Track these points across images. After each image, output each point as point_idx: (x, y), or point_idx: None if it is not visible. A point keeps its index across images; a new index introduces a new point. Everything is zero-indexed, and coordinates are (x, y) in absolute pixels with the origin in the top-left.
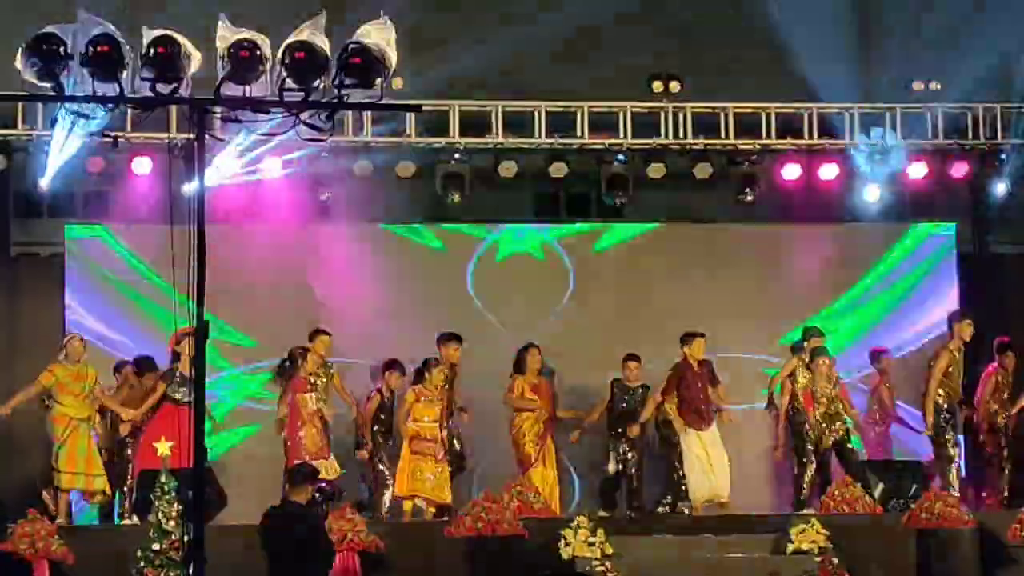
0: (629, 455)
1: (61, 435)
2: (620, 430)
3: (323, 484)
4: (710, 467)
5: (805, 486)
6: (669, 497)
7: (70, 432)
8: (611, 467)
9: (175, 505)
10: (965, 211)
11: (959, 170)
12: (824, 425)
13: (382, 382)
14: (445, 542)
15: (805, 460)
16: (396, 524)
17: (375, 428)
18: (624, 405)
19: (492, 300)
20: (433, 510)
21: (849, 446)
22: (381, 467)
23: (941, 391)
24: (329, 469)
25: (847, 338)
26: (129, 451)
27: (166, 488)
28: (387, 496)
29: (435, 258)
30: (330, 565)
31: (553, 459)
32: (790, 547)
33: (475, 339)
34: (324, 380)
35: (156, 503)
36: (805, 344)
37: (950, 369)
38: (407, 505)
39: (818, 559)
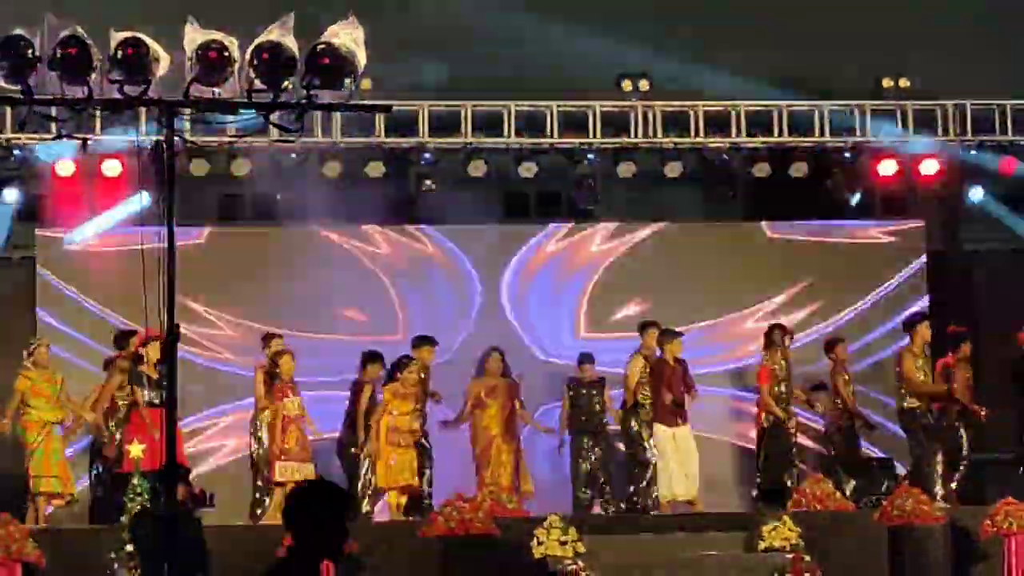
0: (594, 453)
1: (35, 440)
2: (582, 428)
3: (196, 490)
4: (679, 466)
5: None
6: (636, 496)
7: (44, 437)
8: (583, 467)
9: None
10: (934, 209)
11: (929, 167)
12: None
13: (361, 373)
14: (418, 542)
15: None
16: (369, 524)
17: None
18: (581, 403)
19: (466, 301)
20: (404, 500)
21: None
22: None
23: (910, 395)
24: (306, 472)
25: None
26: (104, 453)
27: (139, 490)
28: (371, 489)
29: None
30: (203, 570)
31: (511, 460)
32: (762, 544)
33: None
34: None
35: (129, 505)
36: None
37: (920, 373)
38: (392, 497)
39: (790, 556)
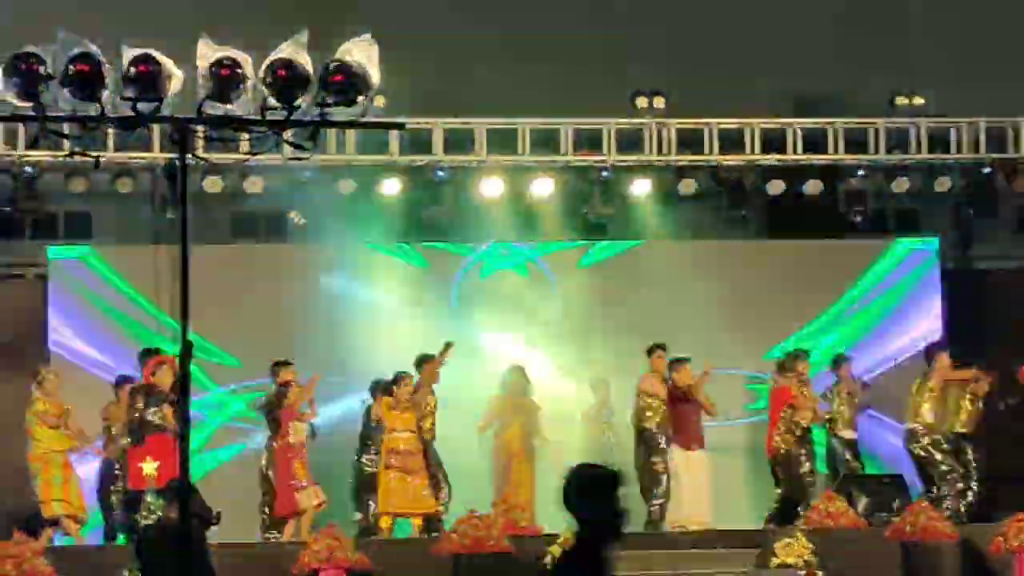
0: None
1: (38, 466)
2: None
3: (201, 510)
4: (688, 491)
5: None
6: (650, 512)
7: (46, 462)
8: None
9: None
10: (948, 226)
11: (943, 185)
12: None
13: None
14: (432, 559)
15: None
16: (383, 541)
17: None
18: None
19: (477, 318)
20: (419, 523)
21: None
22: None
23: (931, 414)
24: (318, 495)
25: (830, 354)
26: (117, 472)
27: (152, 508)
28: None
29: (420, 276)
30: None
31: (532, 478)
32: (775, 561)
33: (460, 357)
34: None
35: (142, 523)
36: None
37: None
38: (384, 522)
39: (803, 572)
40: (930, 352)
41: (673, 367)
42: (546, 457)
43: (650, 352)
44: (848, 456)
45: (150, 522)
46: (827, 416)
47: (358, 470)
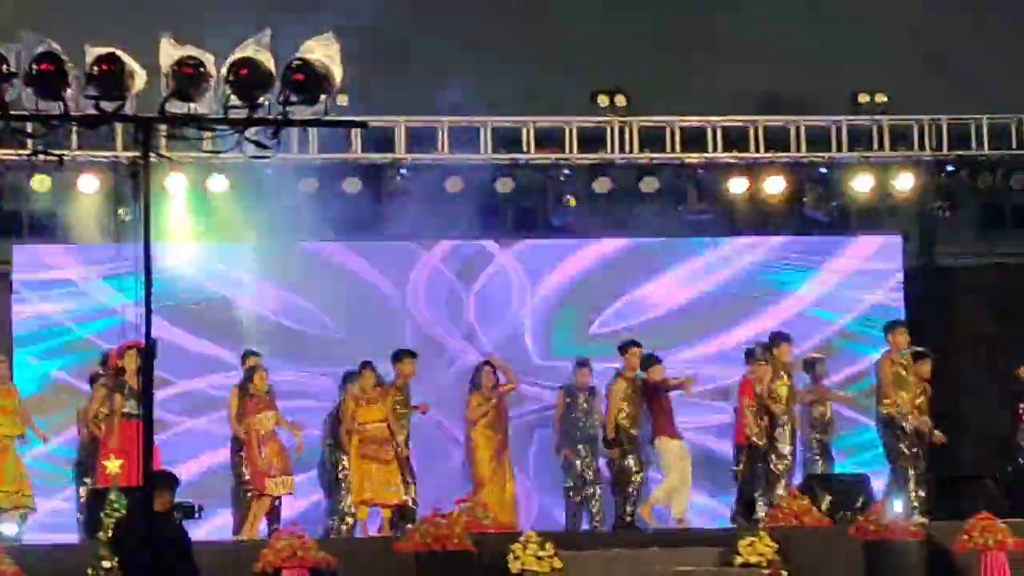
0: (589, 468)
1: None
2: (578, 437)
3: (184, 501)
4: (682, 483)
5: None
6: (624, 515)
7: (1, 451)
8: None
9: None
10: (911, 223)
11: (905, 182)
12: None
13: (344, 393)
14: (395, 557)
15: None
16: (346, 540)
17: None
18: (576, 412)
19: (442, 316)
20: (389, 514)
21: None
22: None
23: (888, 403)
24: (286, 485)
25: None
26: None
27: (116, 506)
28: (345, 504)
29: (381, 274)
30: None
31: (511, 475)
32: (738, 560)
33: (427, 356)
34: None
35: (106, 520)
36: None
37: (895, 379)
38: (362, 513)
39: (766, 571)
40: (888, 327)
41: (645, 363)
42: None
43: (623, 350)
44: (815, 453)
45: (116, 518)
46: (799, 405)
47: (331, 462)
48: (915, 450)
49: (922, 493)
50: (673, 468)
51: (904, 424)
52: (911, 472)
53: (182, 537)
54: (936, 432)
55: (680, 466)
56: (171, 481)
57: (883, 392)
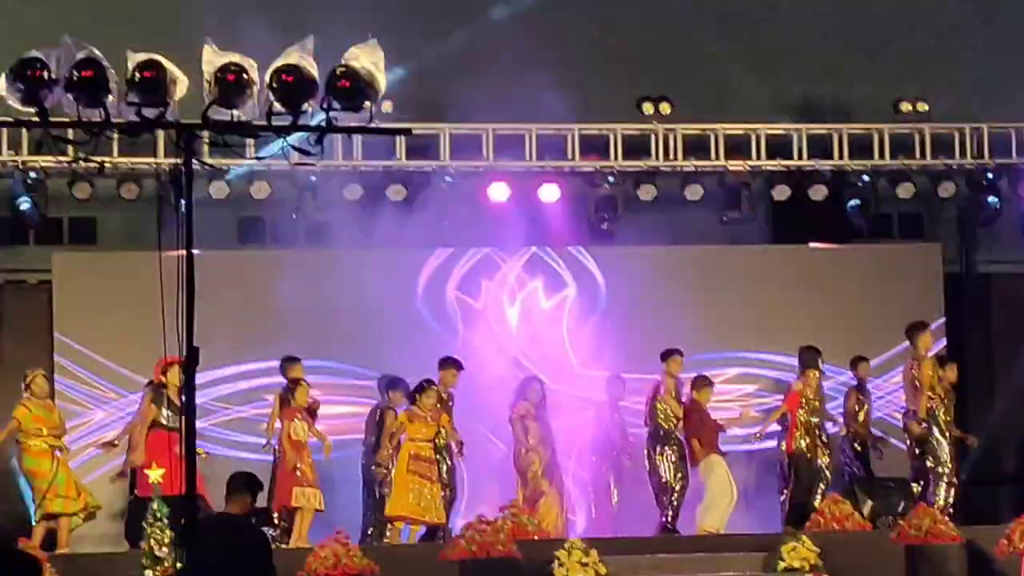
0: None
1: (35, 464)
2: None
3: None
4: (729, 504)
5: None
6: (668, 522)
7: (52, 461)
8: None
9: (167, 532)
10: (952, 231)
11: (946, 190)
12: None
13: (387, 399)
14: (439, 565)
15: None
16: (390, 547)
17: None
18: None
19: (491, 327)
20: (419, 529)
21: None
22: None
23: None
24: (316, 498)
25: (832, 358)
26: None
27: (158, 515)
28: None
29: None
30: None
31: (558, 490)
32: (781, 565)
33: (472, 366)
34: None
35: (148, 530)
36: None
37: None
38: (397, 524)
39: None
40: (911, 330)
41: (697, 386)
42: None
43: (665, 357)
44: (856, 458)
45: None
46: (841, 416)
47: (370, 474)
48: (944, 455)
49: (950, 499)
50: (722, 488)
51: (933, 427)
52: (943, 476)
53: (265, 542)
54: (969, 436)
55: (730, 489)
56: (252, 484)
57: (911, 395)
